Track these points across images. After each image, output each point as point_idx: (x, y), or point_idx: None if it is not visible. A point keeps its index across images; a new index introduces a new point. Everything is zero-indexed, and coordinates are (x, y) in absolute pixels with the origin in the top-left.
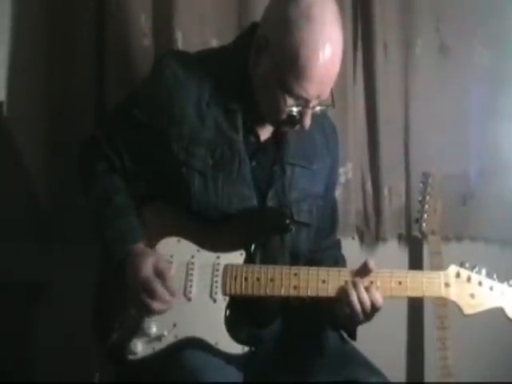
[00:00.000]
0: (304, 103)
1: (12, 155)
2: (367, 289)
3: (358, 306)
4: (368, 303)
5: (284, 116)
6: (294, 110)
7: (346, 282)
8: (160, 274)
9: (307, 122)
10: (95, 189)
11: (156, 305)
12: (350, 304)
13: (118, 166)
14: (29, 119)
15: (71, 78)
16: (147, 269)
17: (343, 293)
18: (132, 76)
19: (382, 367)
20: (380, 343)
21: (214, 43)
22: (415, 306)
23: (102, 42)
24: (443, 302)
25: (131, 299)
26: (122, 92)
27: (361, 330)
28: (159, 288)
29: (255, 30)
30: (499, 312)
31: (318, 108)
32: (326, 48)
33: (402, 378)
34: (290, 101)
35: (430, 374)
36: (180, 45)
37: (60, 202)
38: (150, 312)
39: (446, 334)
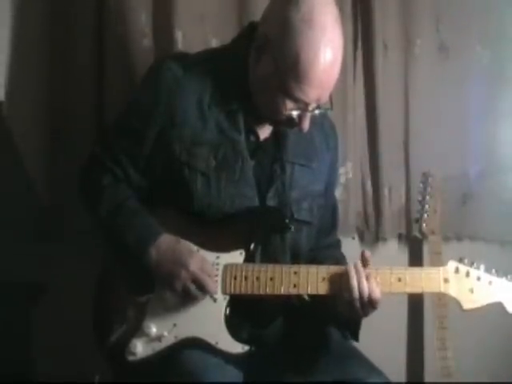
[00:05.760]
0: (303, 106)
1: (12, 155)
2: (368, 277)
3: (356, 292)
4: (366, 291)
5: (283, 118)
6: (294, 113)
7: (348, 265)
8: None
9: (306, 124)
10: (105, 200)
11: (213, 283)
12: (349, 288)
13: (121, 177)
14: (29, 119)
15: (71, 79)
16: (196, 254)
17: (344, 276)
18: (132, 76)
19: (382, 367)
20: (380, 343)
21: (214, 43)
22: (415, 306)
23: (102, 42)
24: (443, 302)
25: (175, 284)
26: (122, 92)
27: (361, 330)
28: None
29: (254, 29)
30: (499, 312)
31: (316, 111)
32: (327, 53)
33: (402, 378)
34: (289, 104)
35: (429, 374)
36: (180, 45)
37: (60, 201)
38: (206, 291)
39: (445, 334)
